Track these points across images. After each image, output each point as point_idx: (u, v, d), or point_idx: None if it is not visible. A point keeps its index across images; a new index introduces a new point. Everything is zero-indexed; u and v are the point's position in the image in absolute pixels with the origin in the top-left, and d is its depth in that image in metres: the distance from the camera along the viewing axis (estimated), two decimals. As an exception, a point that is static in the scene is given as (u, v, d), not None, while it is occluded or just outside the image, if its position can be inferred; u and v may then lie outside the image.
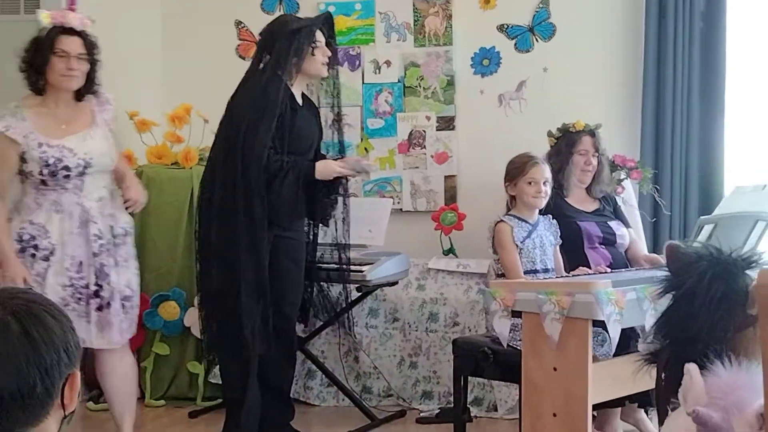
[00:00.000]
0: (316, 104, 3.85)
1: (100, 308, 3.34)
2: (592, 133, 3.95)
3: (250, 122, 3.49)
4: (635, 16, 4.59)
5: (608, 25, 4.68)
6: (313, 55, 3.62)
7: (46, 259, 3.30)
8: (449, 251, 4.65)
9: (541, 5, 4.72)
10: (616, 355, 3.10)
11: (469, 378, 3.68)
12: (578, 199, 3.92)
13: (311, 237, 3.93)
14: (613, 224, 3.89)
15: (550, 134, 4.05)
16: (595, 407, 3.40)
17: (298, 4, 5.00)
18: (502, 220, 3.61)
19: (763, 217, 3.33)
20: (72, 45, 3.30)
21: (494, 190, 3.90)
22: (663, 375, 1.76)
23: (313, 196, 3.70)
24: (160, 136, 4.70)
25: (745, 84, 4.56)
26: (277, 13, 4.99)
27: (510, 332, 3.16)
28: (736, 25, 4.50)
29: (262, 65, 3.66)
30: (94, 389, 4.48)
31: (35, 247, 3.29)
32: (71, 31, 3.32)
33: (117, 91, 4.69)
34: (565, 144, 3.93)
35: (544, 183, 3.62)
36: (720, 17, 4.42)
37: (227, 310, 3.50)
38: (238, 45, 5.08)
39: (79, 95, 3.40)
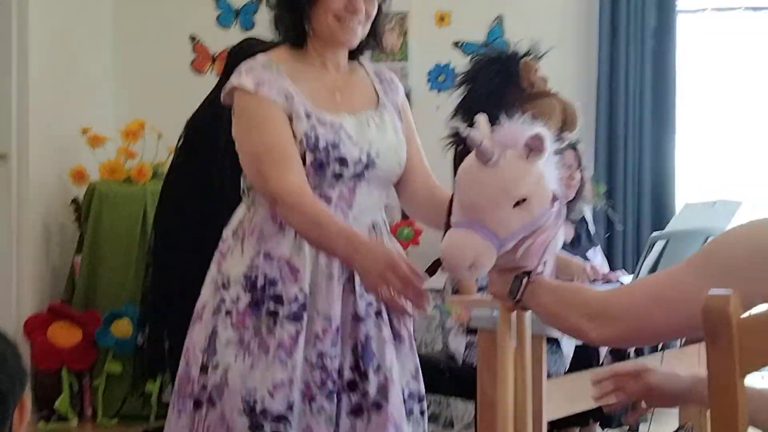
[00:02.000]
0: None
1: (357, 411, 2.00)
2: (573, 147, 3.87)
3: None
4: (588, 33, 4.65)
5: (562, 42, 4.71)
6: None
7: (296, 318, 1.98)
8: (405, 267, 4.65)
9: (495, 22, 4.76)
10: (572, 371, 3.12)
11: (426, 394, 3.68)
12: None
13: None
14: (590, 254, 3.85)
15: None
16: (557, 426, 3.42)
17: (254, 19, 4.99)
18: None
19: (713, 233, 3.37)
20: None
21: (450, 205, 3.92)
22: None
23: None
24: (114, 151, 4.65)
25: (695, 102, 4.64)
26: (233, 29, 4.99)
27: (466, 349, 3.17)
28: (686, 43, 4.58)
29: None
30: (44, 409, 4.41)
31: (277, 299, 1.98)
32: None
33: (69, 107, 4.69)
34: None
35: None
36: (671, 35, 4.50)
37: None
38: (193, 60, 5.05)
39: (355, 54, 2.18)
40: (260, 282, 1.98)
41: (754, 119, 4.63)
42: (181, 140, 3.49)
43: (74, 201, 4.60)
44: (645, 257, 3.17)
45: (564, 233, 3.91)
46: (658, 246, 3.18)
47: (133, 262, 4.37)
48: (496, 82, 2.26)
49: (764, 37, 4.60)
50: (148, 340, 3.59)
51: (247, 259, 2.00)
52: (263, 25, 4.91)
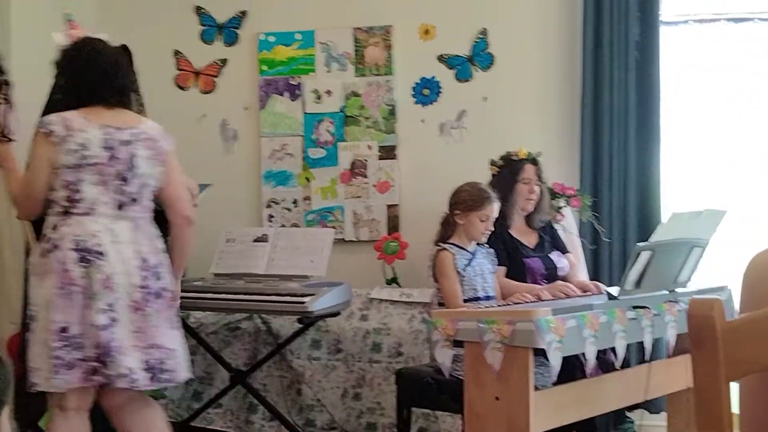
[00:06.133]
0: None
1: None
2: (534, 161, 3.99)
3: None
4: (572, 45, 4.65)
5: (546, 55, 4.73)
6: None
7: None
8: (392, 281, 4.63)
9: (480, 36, 4.76)
10: (559, 383, 3.10)
11: (414, 409, 3.66)
12: (520, 231, 3.94)
13: None
14: (554, 256, 3.92)
15: (492, 163, 4.07)
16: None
17: (237, 34, 4.98)
18: (444, 248, 3.62)
19: (698, 243, 3.38)
20: None
21: (437, 218, 3.90)
22: None
23: None
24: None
25: (679, 112, 4.65)
26: (217, 44, 4.98)
27: (452, 362, 3.14)
28: (670, 54, 4.59)
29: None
30: (27, 429, 4.35)
31: None
32: None
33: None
34: (509, 172, 3.95)
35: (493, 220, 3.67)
36: (654, 46, 4.50)
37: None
38: (177, 75, 5.04)
39: None
40: None
41: (738, 128, 4.65)
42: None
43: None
44: (631, 268, 3.17)
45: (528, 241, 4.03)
46: (644, 256, 3.18)
47: None
48: None
49: (745, 48, 4.62)
50: None
51: None
52: (246, 41, 4.93)
